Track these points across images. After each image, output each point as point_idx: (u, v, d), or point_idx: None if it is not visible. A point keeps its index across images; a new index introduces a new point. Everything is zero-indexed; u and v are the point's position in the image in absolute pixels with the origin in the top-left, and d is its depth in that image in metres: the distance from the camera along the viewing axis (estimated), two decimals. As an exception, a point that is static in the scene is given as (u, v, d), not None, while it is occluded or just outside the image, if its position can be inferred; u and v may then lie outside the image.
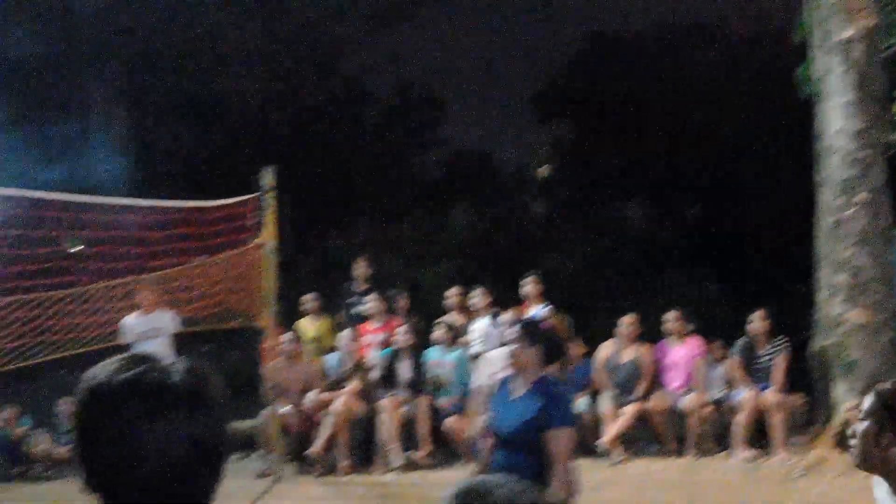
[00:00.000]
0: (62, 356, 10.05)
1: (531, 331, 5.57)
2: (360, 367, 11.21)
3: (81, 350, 9.94)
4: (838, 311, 10.68)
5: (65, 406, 11.80)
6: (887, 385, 2.91)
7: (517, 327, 5.70)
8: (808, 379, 10.79)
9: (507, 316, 11.31)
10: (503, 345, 10.77)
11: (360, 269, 12.41)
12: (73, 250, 11.50)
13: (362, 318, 11.83)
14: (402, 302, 12.08)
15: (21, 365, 10.11)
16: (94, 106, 22.00)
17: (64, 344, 10.04)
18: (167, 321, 10.69)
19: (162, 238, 10.91)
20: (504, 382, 5.59)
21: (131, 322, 10.58)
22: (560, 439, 5.09)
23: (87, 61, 21.75)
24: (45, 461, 11.85)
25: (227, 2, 18.49)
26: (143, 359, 1.56)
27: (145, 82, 20.19)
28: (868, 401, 2.87)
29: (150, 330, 10.51)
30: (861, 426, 2.85)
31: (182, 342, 10.72)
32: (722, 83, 17.54)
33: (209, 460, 1.53)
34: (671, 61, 18.94)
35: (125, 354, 1.64)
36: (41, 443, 11.99)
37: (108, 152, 20.38)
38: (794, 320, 11.56)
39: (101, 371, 1.53)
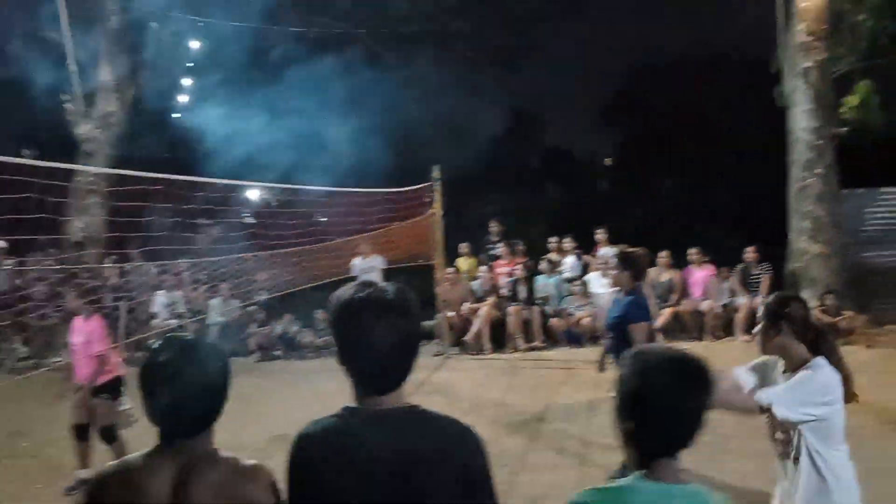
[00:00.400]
0: (317, 284, 11.58)
1: (624, 259, 6.04)
2: (494, 289, 12.73)
3: (328, 280, 11.41)
4: (803, 245, 12.64)
5: (320, 314, 12.36)
6: (770, 299, 3.32)
7: (615, 258, 6.22)
8: (784, 289, 11.38)
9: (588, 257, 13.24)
10: (597, 272, 12.27)
11: (494, 226, 13.89)
12: (322, 220, 12.76)
13: (496, 258, 13.38)
14: (520, 247, 13.47)
15: (294, 290, 11.73)
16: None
17: (318, 276, 11.70)
18: (378, 262, 12.42)
19: (374, 211, 12.52)
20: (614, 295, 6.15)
21: (357, 263, 12.35)
22: (637, 330, 5.63)
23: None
24: (309, 348, 12.65)
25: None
26: (369, 284, 2.02)
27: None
28: (762, 309, 3.28)
29: (368, 268, 12.19)
30: (759, 325, 3.23)
31: (387, 275, 12.04)
32: (729, 98, 18.70)
33: (411, 345, 2.00)
34: (693, 81, 19.86)
35: (356, 282, 2.06)
36: (307, 336, 12.74)
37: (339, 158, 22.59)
38: (774, 252, 12.81)
39: (344, 291, 2.01)
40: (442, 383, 10.12)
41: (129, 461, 2.09)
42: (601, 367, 6.25)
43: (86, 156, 13.75)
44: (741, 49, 15.97)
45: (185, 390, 2.02)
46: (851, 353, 10.25)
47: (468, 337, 12.31)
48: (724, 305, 12.45)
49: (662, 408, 1.86)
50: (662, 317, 12.16)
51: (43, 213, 5.75)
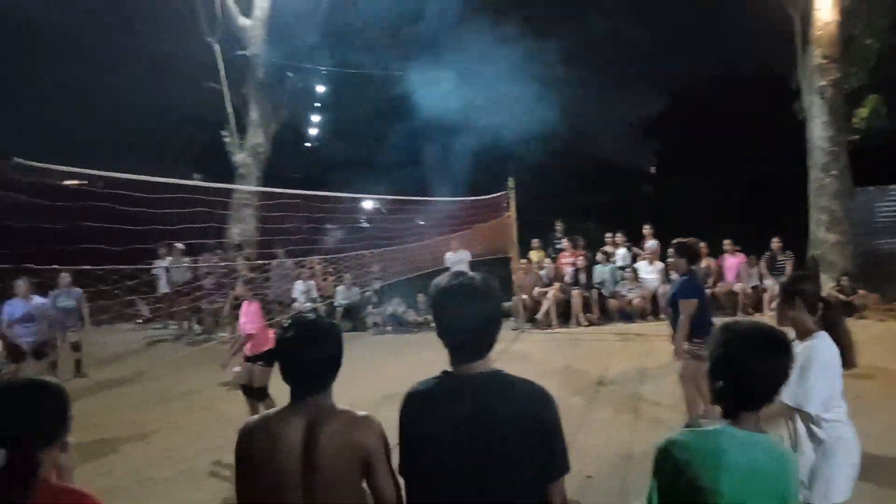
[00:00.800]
0: (418, 273, 11.81)
1: (679, 248, 5.95)
2: (559, 276, 12.60)
3: (426, 270, 11.62)
4: (822, 235, 12.29)
5: (421, 297, 12.48)
6: (784, 279, 3.25)
7: (672, 248, 6.05)
8: (805, 272, 11.31)
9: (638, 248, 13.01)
10: (644, 260, 12.26)
11: (559, 225, 13.88)
12: (421, 223, 12.80)
13: (560, 250, 13.21)
14: (580, 242, 13.27)
15: (400, 278, 11.94)
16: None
17: (419, 267, 11.89)
18: (466, 255, 12.34)
19: (462, 215, 12.58)
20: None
21: (449, 256, 12.28)
22: (685, 305, 5.65)
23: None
24: (413, 324, 12.65)
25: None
26: (460, 273, 2.03)
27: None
28: (778, 288, 3.21)
29: (458, 260, 12.09)
30: (777, 301, 3.18)
31: (473, 266, 11.86)
32: (754, 113, 17.77)
33: (494, 322, 1.99)
34: (723, 99, 19.38)
35: (451, 272, 2.06)
36: (411, 315, 12.80)
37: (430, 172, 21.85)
38: (796, 242, 12.38)
39: (441, 279, 2.02)
40: (518, 353, 10.04)
41: (268, 414, 2.18)
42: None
43: (240, 177, 14.23)
44: (764, 70, 15.29)
45: (310, 357, 2.12)
46: (865, 327, 10.06)
47: (539, 315, 12.23)
48: (754, 287, 12.07)
49: (747, 369, 1.87)
50: None
51: (210, 222, 5.96)
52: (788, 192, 14.38)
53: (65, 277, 7.99)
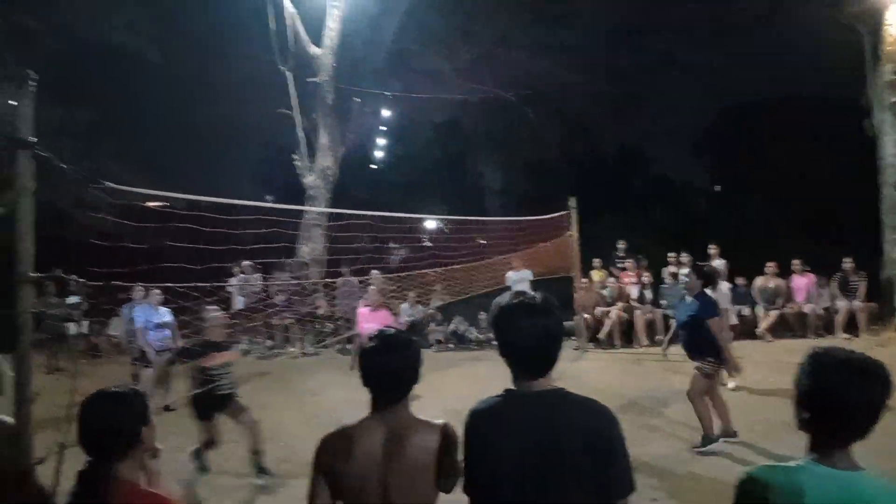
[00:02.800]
0: (480, 292, 11.47)
1: (697, 271, 6.41)
2: (622, 295, 12.38)
3: (488, 289, 11.27)
4: None
5: (483, 315, 12.41)
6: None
7: (691, 270, 6.59)
8: (880, 294, 11.57)
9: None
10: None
11: (621, 243, 13.52)
12: (482, 242, 12.65)
13: (623, 269, 12.97)
14: (643, 262, 13.08)
15: (462, 297, 11.68)
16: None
17: (480, 286, 11.56)
18: (528, 274, 11.88)
19: (522, 235, 12.29)
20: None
21: (510, 275, 11.84)
22: (713, 324, 5.82)
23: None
24: (474, 341, 12.74)
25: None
26: (521, 293, 2.04)
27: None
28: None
29: (519, 279, 11.64)
30: None
31: (534, 285, 11.30)
32: (822, 129, 17.41)
33: (556, 341, 2.00)
34: (791, 118, 18.81)
35: (512, 292, 2.08)
36: (473, 332, 12.91)
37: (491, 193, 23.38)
38: (869, 262, 11.91)
39: (502, 298, 2.05)
40: (579, 372, 9.89)
41: (348, 424, 2.23)
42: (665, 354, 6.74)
43: (310, 199, 14.57)
44: (832, 88, 14.79)
45: (390, 367, 2.19)
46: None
47: (601, 334, 12.05)
48: (825, 308, 11.61)
49: (841, 401, 1.70)
50: (770, 318, 11.66)
51: (282, 241, 6.14)
52: (859, 210, 13.84)
53: (155, 295, 8.27)
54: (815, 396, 1.75)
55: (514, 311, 2.00)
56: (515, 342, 1.99)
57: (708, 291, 6.21)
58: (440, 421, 2.23)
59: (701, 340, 5.90)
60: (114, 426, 1.95)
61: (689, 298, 6.16)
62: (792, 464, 1.77)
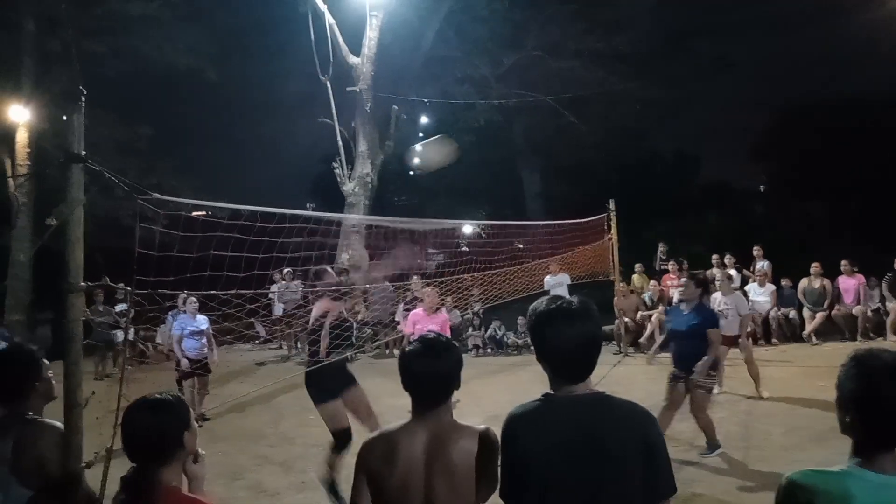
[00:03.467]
0: (517, 297, 11.02)
1: (694, 279, 6.09)
2: (662, 299, 12.35)
3: (526, 294, 10.96)
4: None
5: (521, 320, 12.38)
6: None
7: (686, 278, 6.28)
8: None
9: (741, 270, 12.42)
10: (755, 282, 11.60)
11: (661, 247, 13.68)
12: (520, 246, 12.39)
13: (665, 272, 12.96)
14: (685, 264, 12.72)
15: (500, 301, 10.98)
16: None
17: (518, 290, 11.15)
18: (566, 279, 12.14)
19: (562, 238, 12.27)
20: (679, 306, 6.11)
21: (548, 279, 12.10)
22: (715, 334, 5.77)
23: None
24: (512, 346, 12.80)
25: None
26: (559, 297, 2.03)
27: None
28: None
29: (557, 283, 11.93)
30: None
31: (572, 289, 11.83)
32: (870, 130, 17.12)
33: (594, 345, 2.01)
34: (837, 118, 18.46)
35: (549, 296, 2.07)
36: (510, 337, 12.91)
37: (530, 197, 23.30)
38: None
39: (540, 303, 2.04)
40: (620, 377, 9.77)
41: (390, 428, 2.26)
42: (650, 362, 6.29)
43: (349, 206, 14.73)
44: (882, 88, 14.34)
45: (430, 371, 2.21)
46: None
47: (642, 339, 11.98)
48: (875, 310, 11.32)
49: (884, 404, 1.66)
50: (816, 320, 11.46)
51: (323, 249, 6.20)
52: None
53: (191, 304, 8.44)
54: (858, 399, 1.70)
55: (552, 316, 1.98)
56: (554, 347, 1.97)
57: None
58: (482, 426, 2.22)
59: (701, 353, 5.72)
60: (156, 432, 1.98)
61: (684, 307, 5.95)
62: (836, 469, 1.71)
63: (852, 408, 1.71)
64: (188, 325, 8.38)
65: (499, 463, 2.14)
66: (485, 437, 2.18)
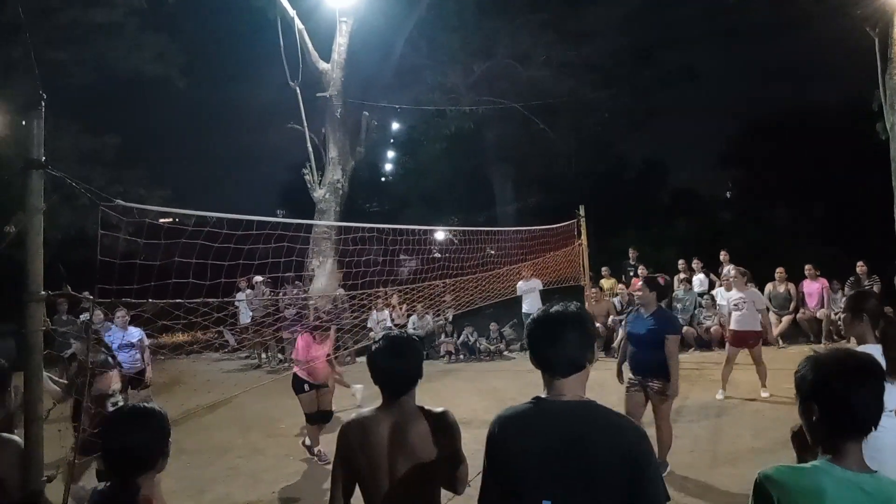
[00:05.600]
0: (489, 302, 11.34)
1: (650, 282, 5.77)
2: (631, 303, 11.03)
3: (498, 299, 11.32)
4: None
5: (494, 326, 12.82)
6: (852, 295, 3.32)
7: (641, 283, 5.93)
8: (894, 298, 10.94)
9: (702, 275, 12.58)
10: (721, 287, 11.51)
11: (631, 252, 13.73)
12: (492, 252, 12.34)
13: (634, 278, 12.87)
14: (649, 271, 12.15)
15: (472, 307, 11.36)
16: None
17: (490, 296, 11.30)
18: (537, 284, 12.24)
19: (533, 244, 12.32)
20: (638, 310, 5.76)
21: (521, 285, 12.22)
22: (673, 341, 5.43)
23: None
24: (485, 352, 12.55)
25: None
26: (553, 305, 2.08)
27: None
28: (845, 303, 3.30)
29: (529, 289, 12.14)
30: (843, 315, 3.27)
31: (544, 294, 12.14)
32: (832, 133, 17.47)
33: (588, 343, 2.08)
34: (800, 123, 18.96)
35: (547, 305, 2.12)
36: (482, 343, 12.70)
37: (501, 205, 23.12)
38: (883, 265, 11.74)
39: (539, 312, 2.10)
40: (593, 381, 9.65)
41: (363, 414, 2.56)
42: (621, 378, 6.01)
43: (320, 212, 14.62)
44: (842, 91, 14.81)
45: (396, 366, 2.50)
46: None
47: (614, 343, 11.87)
48: (838, 313, 11.20)
49: (844, 397, 1.73)
50: (782, 324, 11.66)
51: (292, 256, 6.16)
52: (872, 214, 13.65)
53: (120, 317, 8.09)
54: (821, 396, 1.76)
55: (551, 321, 2.05)
56: (553, 352, 2.02)
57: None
58: (440, 409, 2.49)
59: (659, 360, 5.44)
60: (143, 443, 1.97)
61: (643, 311, 5.65)
62: (808, 465, 1.76)
63: (815, 406, 1.77)
64: (116, 338, 8.01)
65: (460, 444, 2.47)
66: (441, 418, 2.45)
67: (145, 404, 2.10)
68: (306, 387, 6.66)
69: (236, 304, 11.85)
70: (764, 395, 8.12)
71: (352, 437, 2.52)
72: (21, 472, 2.32)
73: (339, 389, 7.67)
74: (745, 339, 8.28)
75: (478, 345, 12.88)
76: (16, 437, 2.40)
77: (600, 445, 1.87)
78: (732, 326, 8.38)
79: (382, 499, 2.40)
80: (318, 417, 6.77)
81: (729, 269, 12.04)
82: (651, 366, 5.52)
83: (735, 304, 8.27)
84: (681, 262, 12.85)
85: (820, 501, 1.64)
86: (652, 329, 5.49)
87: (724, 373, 8.27)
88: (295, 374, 6.75)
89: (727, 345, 8.50)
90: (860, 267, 11.49)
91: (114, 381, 4.65)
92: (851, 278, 11.49)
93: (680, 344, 10.92)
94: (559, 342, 1.99)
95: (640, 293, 5.83)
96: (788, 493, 1.67)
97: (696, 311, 12.18)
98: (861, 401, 1.71)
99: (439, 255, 11.80)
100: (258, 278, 12.49)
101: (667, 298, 6.26)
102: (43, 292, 2.46)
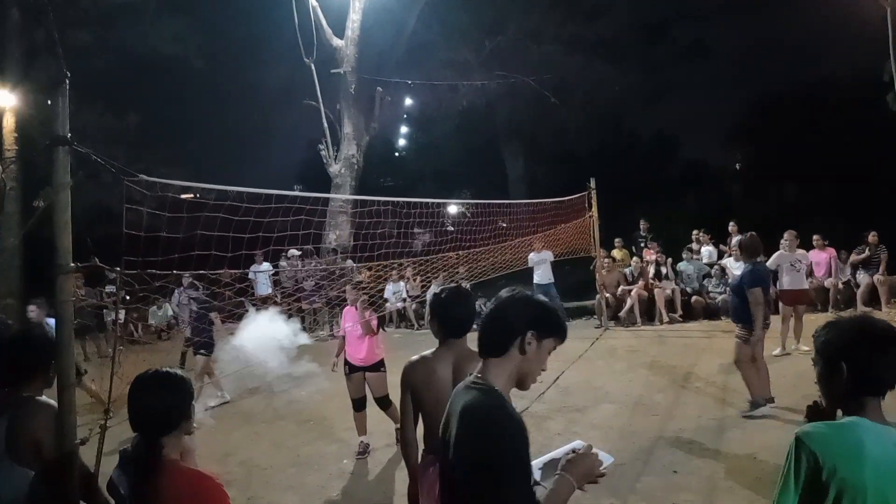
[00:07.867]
0: (502, 273, 11.15)
1: (742, 245, 6.48)
2: (642, 274, 12.22)
3: (510, 270, 11.25)
4: None
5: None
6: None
7: (736, 242, 6.85)
8: None
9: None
10: (731, 257, 11.44)
11: (642, 224, 13.66)
12: (503, 225, 12.05)
13: (645, 249, 12.98)
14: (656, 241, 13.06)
15: (485, 278, 10.88)
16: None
17: (502, 267, 11.30)
18: (548, 255, 12.02)
19: (546, 216, 12.18)
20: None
21: (532, 256, 11.97)
22: (753, 293, 5.87)
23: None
24: None
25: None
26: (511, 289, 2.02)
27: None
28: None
29: (540, 260, 11.94)
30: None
31: (555, 265, 12.16)
32: (843, 105, 17.28)
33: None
34: (811, 95, 18.64)
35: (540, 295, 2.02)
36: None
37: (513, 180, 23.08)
38: (891, 236, 11.57)
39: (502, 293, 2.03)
40: (603, 350, 9.85)
41: (425, 354, 2.93)
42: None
43: (336, 187, 14.67)
44: (853, 64, 14.43)
45: (457, 312, 2.94)
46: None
47: (622, 313, 11.98)
48: (846, 282, 11.34)
49: (866, 356, 1.76)
50: None
51: (310, 229, 6.19)
52: (883, 186, 13.61)
53: (186, 279, 8.26)
54: (845, 359, 1.77)
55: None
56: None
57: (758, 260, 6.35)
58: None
59: (743, 308, 6.02)
60: (166, 404, 1.99)
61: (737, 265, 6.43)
62: (845, 420, 1.77)
63: (838, 368, 1.78)
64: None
65: None
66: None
67: (168, 369, 2.11)
68: (347, 369, 5.94)
69: (251, 275, 11.82)
70: (804, 348, 8.26)
71: (417, 374, 2.84)
72: (56, 436, 2.36)
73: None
74: (799, 298, 8.68)
75: (483, 317, 12.92)
76: (52, 402, 2.44)
77: (459, 425, 1.85)
78: (788, 287, 8.72)
79: None
80: (361, 404, 6.00)
81: (737, 240, 12.08)
82: (736, 312, 6.23)
83: (791, 264, 8.69)
84: (695, 232, 12.94)
85: (860, 452, 1.66)
86: (739, 282, 6.17)
87: (782, 331, 8.53)
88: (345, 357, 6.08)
89: (780, 305, 8.74)
90: (871, 237, 11.29)
91: None
92: (859, 248, 11.37)
93: (689, 314, 10.87)
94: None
95: (735, 251, 6.92)
96: (829, 447, 1.68)
97: (704, 282, 12.08)
98: (887, 363, 1.75)
99: (452, 229, 11.72)
100: (294, 251, 12.38)
101: (756, 256, 6.40)
102: (72, 264, 2.48)
